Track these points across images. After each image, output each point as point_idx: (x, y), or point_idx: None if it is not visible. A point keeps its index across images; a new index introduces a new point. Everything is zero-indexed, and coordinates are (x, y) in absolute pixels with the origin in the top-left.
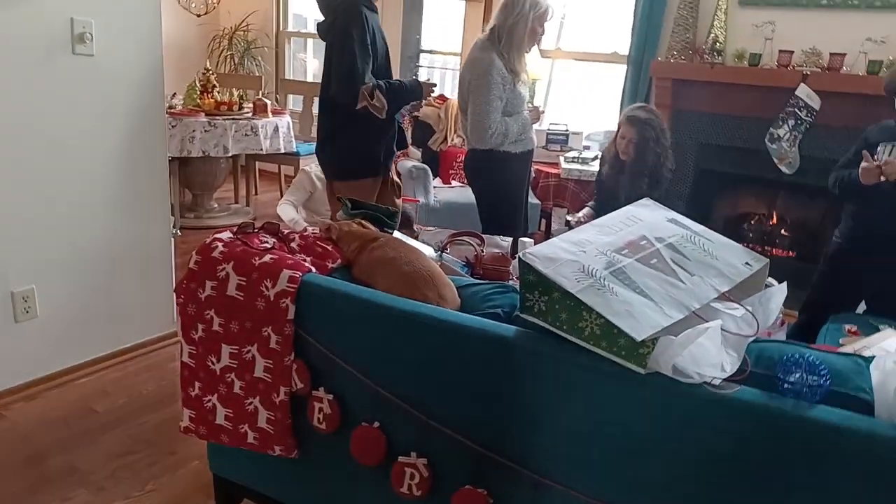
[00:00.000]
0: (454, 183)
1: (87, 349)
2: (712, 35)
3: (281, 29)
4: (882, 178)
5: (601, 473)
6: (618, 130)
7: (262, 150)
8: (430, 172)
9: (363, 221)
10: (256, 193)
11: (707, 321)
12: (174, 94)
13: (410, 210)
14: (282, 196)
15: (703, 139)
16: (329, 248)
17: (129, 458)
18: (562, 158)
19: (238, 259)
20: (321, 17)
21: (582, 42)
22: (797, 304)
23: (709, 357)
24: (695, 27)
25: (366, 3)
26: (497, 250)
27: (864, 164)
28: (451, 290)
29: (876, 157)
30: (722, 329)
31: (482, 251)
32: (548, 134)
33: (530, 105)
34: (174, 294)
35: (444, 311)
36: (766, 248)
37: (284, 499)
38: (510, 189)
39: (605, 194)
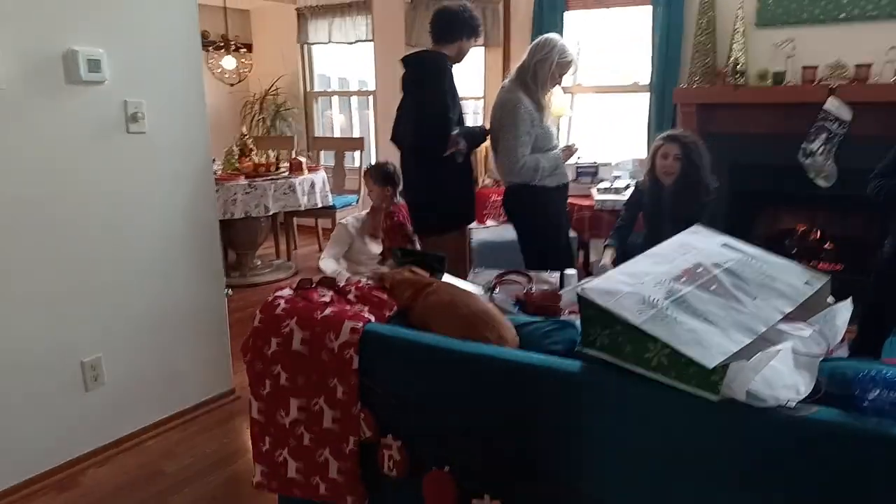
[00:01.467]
0: (489, 223)
1: (152, 412)
2: (732, 58)
3: (308, 90)
4: None
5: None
6: (653, 158)
7: (300, 206)
8: None
9: (413, 268)
10: (296, 248)
11: (774, 343)
12: (214, 160)
13: None
14: (321, 248)
15: (734, 160)
16: (384, 297)
17: None
18: (594, 190)
19: (301, 314)
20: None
21: (602, 75)
22: (853, 318)
23: (782, 379)
24: (714, 51)
25: (449, 59)
26: (545, 286)
27: None
28: (510, 330)
29: None
30: (795, 351)
31: (531, 288)
32: (577, 168)
33: (557, 142)
34: (241, 353)
35: (507, 351)
36: (811, 262)
37: None
38: (551, 221)
39: (650, 224)
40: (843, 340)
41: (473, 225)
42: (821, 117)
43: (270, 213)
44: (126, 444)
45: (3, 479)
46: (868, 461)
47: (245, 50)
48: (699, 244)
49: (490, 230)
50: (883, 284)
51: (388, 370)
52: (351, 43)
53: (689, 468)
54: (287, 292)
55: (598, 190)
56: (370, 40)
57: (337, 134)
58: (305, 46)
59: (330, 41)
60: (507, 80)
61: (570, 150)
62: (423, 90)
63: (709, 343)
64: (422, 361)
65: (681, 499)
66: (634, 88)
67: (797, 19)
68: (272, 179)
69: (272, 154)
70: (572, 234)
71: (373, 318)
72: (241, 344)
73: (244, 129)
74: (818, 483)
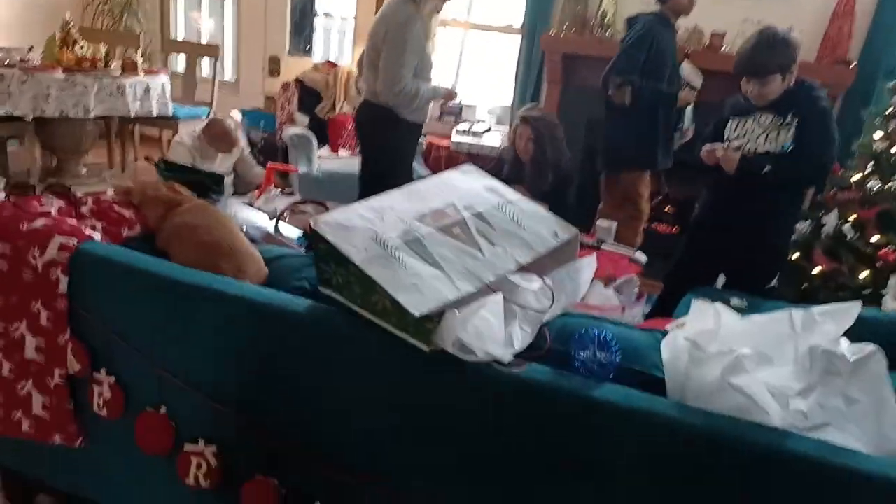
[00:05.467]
0: (342, 153)
1: None
2: (602, 8)
3: None
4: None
5: (390, 457)
6: (515, 132)
7: (129, 112)
8: (313, 141)
9: (175, 185)
10: (136, 159)
11: (504, 295)
12: (31, 48)
13: None
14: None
15: (591, 116)
16: (127, 213)
17: None
18: (453, 131)
19: (2, 224)
20: None
21: (476, 12)
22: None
23: (493, 332)
24: None
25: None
26: None
27: (706, 147)
28: (254, 263)
29: (727, 131)
30: (517, 303)
31: None
32: (442, 105)
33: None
34: None
35: (234, 284)
36: (651, 223)
37: (76, 491)
38: (401, 154)
39: None
40: (641, 297)
41: (325, 153)
42: None
43: (92, 115)
44: None
45: None
46: (569, 420)
47: None
48: (462, 184)
49: (341, 160)
50: (688, 243)
51: (103, 297)
52: None
53: (404, 422)
54: None
55: (457, 131)
56: None
57: (205, 41)
58: None
59: None
60: None
61: (451, 95)
62: None
63: (427, 289)
64: (141, 289)
65: (391, 450)
66: (508, 30)
67: None
68: (96, 77)
69: (103, 49)
70: (426, 172)
71: (100, 237)
72: None
73: (68, 15)
74: (523, 441)
